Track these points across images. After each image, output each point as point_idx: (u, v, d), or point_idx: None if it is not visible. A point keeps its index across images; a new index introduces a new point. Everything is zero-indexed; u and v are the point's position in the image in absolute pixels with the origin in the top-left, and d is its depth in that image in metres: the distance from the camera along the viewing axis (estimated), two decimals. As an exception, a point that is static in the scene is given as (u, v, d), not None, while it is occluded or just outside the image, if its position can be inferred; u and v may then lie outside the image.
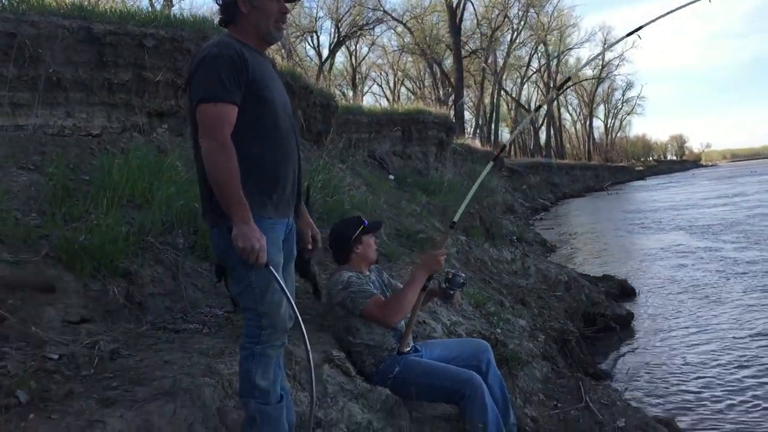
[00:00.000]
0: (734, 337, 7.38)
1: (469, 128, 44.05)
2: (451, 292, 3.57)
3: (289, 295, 2.35)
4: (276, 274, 2.31)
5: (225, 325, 3.50)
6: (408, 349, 3.49)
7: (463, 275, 3.61)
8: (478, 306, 5.75)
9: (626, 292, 9.95)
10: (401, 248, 6.36)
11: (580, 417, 4.15)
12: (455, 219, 3.56)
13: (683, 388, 5.92)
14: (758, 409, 5.31)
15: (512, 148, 53.33)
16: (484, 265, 8.31)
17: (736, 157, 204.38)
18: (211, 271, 3.99)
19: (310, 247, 2.82)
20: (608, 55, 60.18)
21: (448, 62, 40.84)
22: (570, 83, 56.01)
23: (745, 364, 6.44)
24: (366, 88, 50.81)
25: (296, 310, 2.35)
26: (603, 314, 8.07)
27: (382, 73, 53.37)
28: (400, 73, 52.21)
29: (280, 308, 2.35)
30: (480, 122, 48.43)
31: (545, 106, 52.80)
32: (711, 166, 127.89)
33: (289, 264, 2.59)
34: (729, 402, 5.48)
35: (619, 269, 12.11)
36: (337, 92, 24.18)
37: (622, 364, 6.86)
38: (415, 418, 3.27)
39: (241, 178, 2.24)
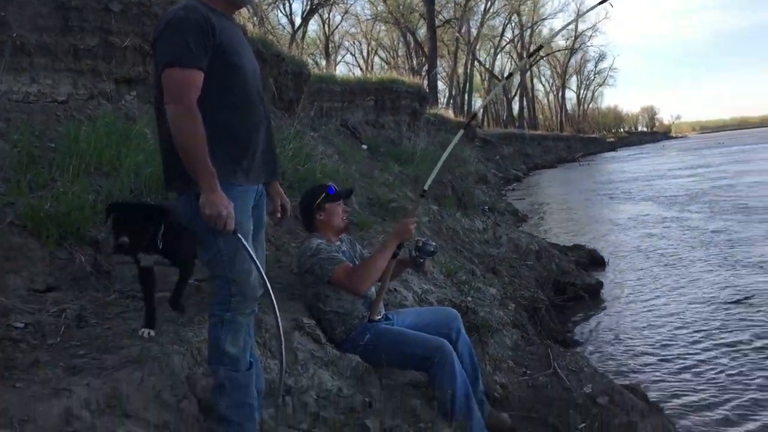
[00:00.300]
0: (697, 304, 7.59)
1: (443, 99, 44.01)
2: (421, 260, 3.58)
3: (258, 262, 2.34)
4: (245, 241, 2.29)
5: (194, 294, 3.47)
6: (379, 317, 3.50)
7: (434, 243, 3.62)
8: (449, 275, 5.79)
9: (596, 261, 10.11)
10: (373, 217, 6.36)
11: (549, 383, 4.21)
12: (426, 187, 3.56)
13: (649, 354, 6.07)
14: (718, 371, 5.50)
15: (485, 118, 53.38)
16: (456, 235, 8.36)
17: (705, 129, 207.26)
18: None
19: (279, 215, 2.80)
20: (581, 26, 60.37)
21: (422, 32, 40.45)
22: (542, 52, 56.22)
23: (707, 329, 6.64)
24: (339, 58, 50.34)
25: (266, 277, 2.34)
26: (573, 283, 8.19)
27: (356, 42, 52.87)
28: (373, 43, 51.76)
29: (250, 276, 2.34)
30: (453, 93, 48.40)
31: (517, 75, 52.79)
32: (680, 137, 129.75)
33: (259, 231, 2.57)
34: (691, 366, 5.66)
35: (589, 239, 12.30)
36: (310, 61, 23.82)
37: (590, 331, 7.00)
38: (385, 385, 3.30)
39: (211, 144, 2.20)
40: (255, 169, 2.43)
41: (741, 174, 24.51)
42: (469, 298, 5.27)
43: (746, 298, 7.52)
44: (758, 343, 6.07)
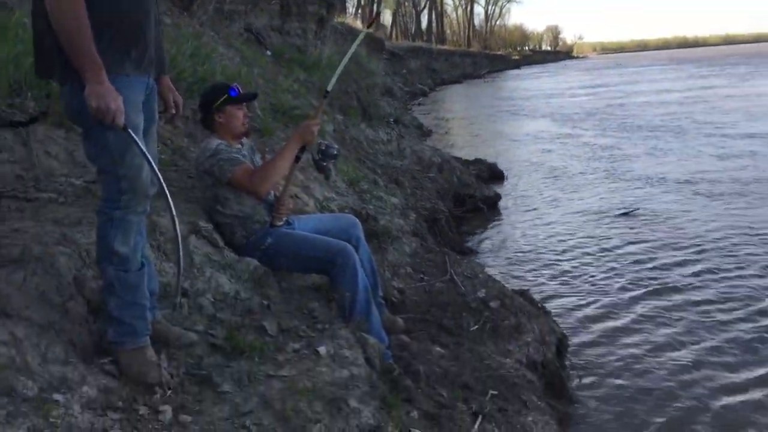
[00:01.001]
0: (584, 215, 8.13)
1: (351, 8, 42.86)
2: (324, 164, 3.54)
3: (150, 158, 2.21)
4: (135, 136, 2.15)
5: (83, 195, 3.29)
6: (280, 222, 3.46)
7: (336, 147, 3.57)
8: (351, 183, 5.79)
9: (495, 175, 10.48)
10: (276, 123, 6.19)
11: (445, 288, 4.36)
12: (329, 88, 3.45)
13: (539, 261, 6.44)
14: (598, 276, 5.96)
15: (393, 31, 52.62)
16: (360, 145, 8.34)
17: (605, 50, 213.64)
18: (66, 139, 3.70)
19: (174, 112, 2.65)
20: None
21: (331, -66, 38.77)
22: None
23: (591, 237, 7.15)
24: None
25: (159, 174, 2.22)
26: (472, 195, 8.47)
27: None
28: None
29: (141, 171, 2.21)
30: (362, 2, 47.17)
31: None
32: (582, 58, 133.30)
33: (150, 128, 2.42)
34: (576, 272, 6.09)
35: (490, 153, 12.67)
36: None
37: (486, 241, 7.30)
38: (284, 288, 3.29)
39: (96, 30, 2.01)
40: (145, 60, 2.26)
41: (633, 94, 25.79)
42: (371, 207, 5.31)
43: (628, 209, 8.03)
44: (632, 249, 6.60)
